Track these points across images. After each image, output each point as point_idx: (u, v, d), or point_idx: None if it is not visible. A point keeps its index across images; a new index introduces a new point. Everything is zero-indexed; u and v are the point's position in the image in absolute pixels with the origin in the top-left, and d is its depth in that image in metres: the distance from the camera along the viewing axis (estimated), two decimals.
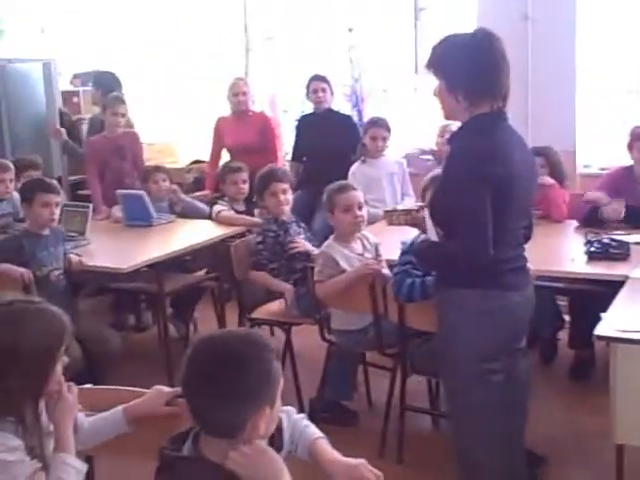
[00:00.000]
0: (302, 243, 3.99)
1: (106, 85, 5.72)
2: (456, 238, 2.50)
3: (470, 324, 2.55)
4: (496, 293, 2.53)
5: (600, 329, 2.54)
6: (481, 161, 2.41)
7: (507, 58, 2.49)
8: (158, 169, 5.03)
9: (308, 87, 5.53)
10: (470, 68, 2.47)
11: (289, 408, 1.87)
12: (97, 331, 3.89)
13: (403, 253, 3.19)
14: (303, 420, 1.87)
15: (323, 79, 5.50)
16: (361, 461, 1.75)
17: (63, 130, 5.84)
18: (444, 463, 3.31)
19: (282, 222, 4.07)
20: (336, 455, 1.79)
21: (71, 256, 3.87)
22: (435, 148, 5.14)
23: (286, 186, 4.16)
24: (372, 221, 4.45)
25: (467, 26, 5.44)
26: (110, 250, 4.32)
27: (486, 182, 2.39)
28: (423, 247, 2.74)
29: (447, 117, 2.67)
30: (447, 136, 4.68)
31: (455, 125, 4.71)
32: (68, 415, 1.92)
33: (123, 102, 5.28)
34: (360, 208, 3.54)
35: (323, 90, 5.47)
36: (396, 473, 3.23)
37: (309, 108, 5.74)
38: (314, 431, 1.85)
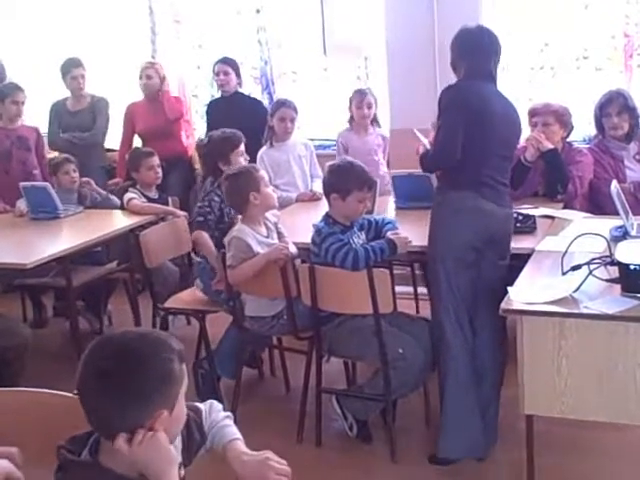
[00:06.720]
0: None
1: None
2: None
3: (447, 220, 3.09)
4: (472, 195, 3.05)
5: (506, 302, 2.57)
6: (458, 92, 3.09)
7: (484, 43, 3.13)
8: (68, 160, 4.88)
9: (213, 70, 5.47)
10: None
11: (213, 402, 1.84)
12: (6, 326, 3.75)
13: (330, 234, 3.23)
14: (225, 419, 1.83)
15: (226, 62, 5.42)
16: (265, 456, 1.71)
17: None
18: (362, 445, 3.35)
19: None
20: (244, 457, 1.74)
21: None
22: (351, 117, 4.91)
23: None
24: (285, 205, 4.43)
25: (373, 6, 5.48)
26: (14, 245, 4.14)
27: (460, 108, 3.03)
28: (423, 154, 3.29)
29: None
30: (366, 109, 4.72)
31: (370, 95, 4.75)
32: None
33: (22, 90, 5.03)
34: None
35: (225, 73, 5.38)
36: (315, 456, 3.25)
37: (218, 93, 5.66)
38: (231, 432, 1.80)
